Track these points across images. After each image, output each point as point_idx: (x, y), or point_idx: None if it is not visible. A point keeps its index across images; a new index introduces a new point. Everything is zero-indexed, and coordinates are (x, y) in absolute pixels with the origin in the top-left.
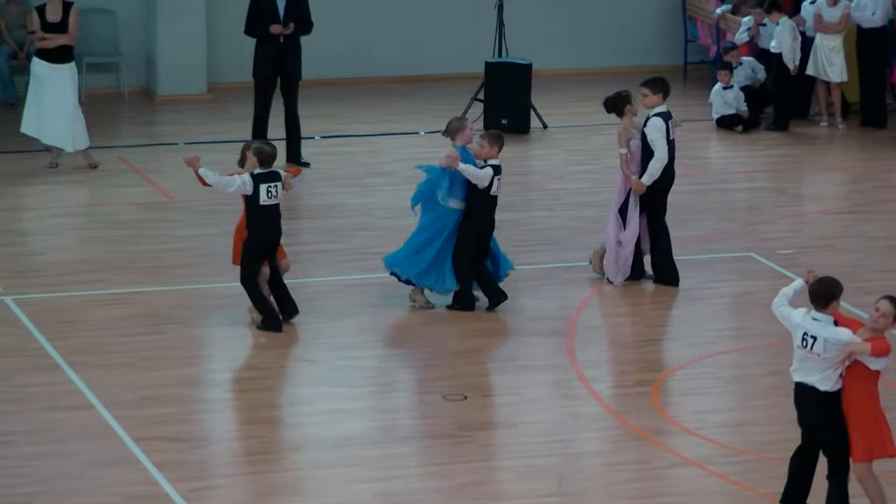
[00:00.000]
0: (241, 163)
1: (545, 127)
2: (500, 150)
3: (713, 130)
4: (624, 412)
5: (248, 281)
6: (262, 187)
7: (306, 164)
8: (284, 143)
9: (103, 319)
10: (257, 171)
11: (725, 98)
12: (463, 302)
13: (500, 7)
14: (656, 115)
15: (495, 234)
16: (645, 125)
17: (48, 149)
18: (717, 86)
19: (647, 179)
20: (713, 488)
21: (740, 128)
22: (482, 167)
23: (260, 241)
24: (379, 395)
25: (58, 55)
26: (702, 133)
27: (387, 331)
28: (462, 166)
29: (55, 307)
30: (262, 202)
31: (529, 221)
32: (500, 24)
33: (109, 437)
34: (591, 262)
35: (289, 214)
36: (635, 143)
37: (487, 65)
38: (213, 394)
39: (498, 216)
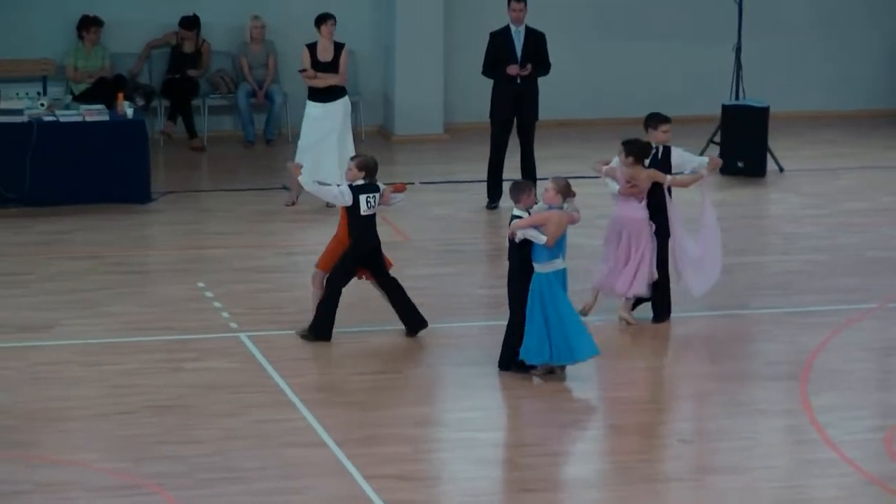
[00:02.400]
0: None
1: (781, 170)
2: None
3: None
4: (857, 458)
5: (334, 285)
6: (362, 198)
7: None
8: None
9: (337, 357)
10: (358, 182)
11: None
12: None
13: (738, 50)
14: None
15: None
16: (668, 154)
17: (285, 187)
18: None
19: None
20: None
21: None
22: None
23: (360, 249)
24: (609, 437)
25: (329, 94)
26: None
27: (616, 374)
28: (521, 231)
29: (290, 344)
30: (362, 212)
31: (763, 265)
32: (738, 66)
33: (341, 475)
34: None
35: None
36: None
37: (724, 107)
38: (444, 433)
39: (730, 259)
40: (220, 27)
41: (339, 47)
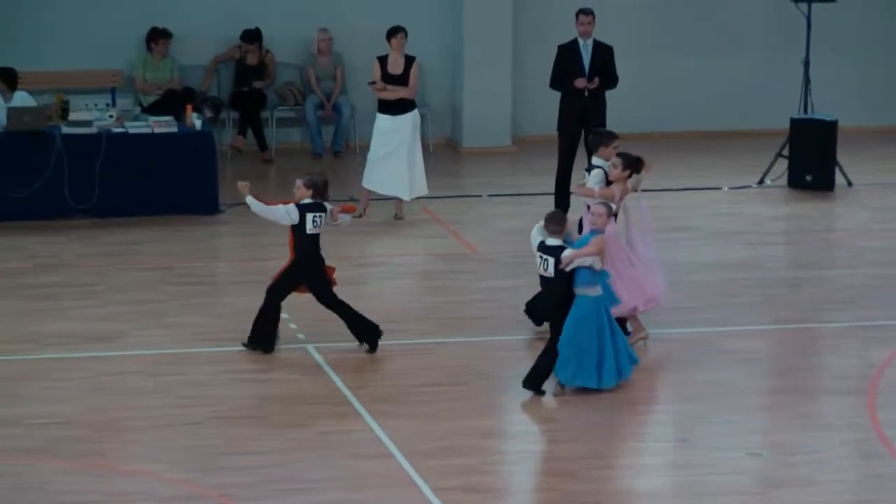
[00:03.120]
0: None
1: (850, 184)
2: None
3: None
4: None
5: (273, 297)
6: (308, 216)
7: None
8: None
9: (403, 369)
10: (306, 201)
11: None
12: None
13: (807, 64)
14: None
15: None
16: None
17: (353, 199)
18: None
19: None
20: None
21: None
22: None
23: (304, 267)
24: (675, 450)
25: (398, 107)
26: None
27: (681, 388)
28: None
29: (357, 356)
30: (307, 231)
31: (830, 279)
32: (807, 80)
33: (408, 486)
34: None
35: None
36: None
37: (793, 121)
38: (511, 445)
39: (798, 273)
40: (287, 39)
41: (409, 60)
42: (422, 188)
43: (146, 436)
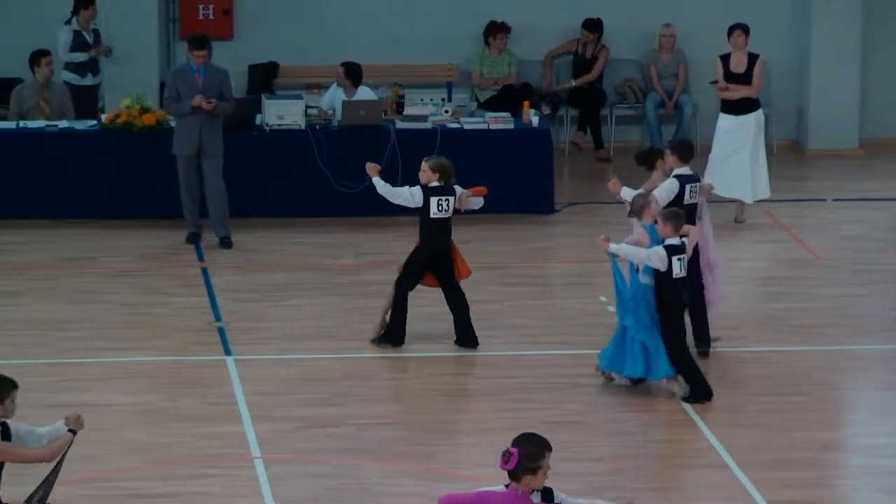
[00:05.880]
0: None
1: None
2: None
3: None
4: None
5: (401, 287)
6: (433, 200)
7: None
8: None
9: (742, 377)
10: (432, 184)
11: None
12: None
13: None
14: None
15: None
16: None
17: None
18: None
19: (628, 194)
20: None
21: None
22: None
23: (427, 252)
24: None
25: (742, 107)
26: None
27: None
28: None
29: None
30: (432, 215)
31: None
32: None
33: (743, 498)
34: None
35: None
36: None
37: None
38: (852, 459)
39: None
40: (628, 34)
41: (753, 58)
42: (764, 191)
43: (474, 439)
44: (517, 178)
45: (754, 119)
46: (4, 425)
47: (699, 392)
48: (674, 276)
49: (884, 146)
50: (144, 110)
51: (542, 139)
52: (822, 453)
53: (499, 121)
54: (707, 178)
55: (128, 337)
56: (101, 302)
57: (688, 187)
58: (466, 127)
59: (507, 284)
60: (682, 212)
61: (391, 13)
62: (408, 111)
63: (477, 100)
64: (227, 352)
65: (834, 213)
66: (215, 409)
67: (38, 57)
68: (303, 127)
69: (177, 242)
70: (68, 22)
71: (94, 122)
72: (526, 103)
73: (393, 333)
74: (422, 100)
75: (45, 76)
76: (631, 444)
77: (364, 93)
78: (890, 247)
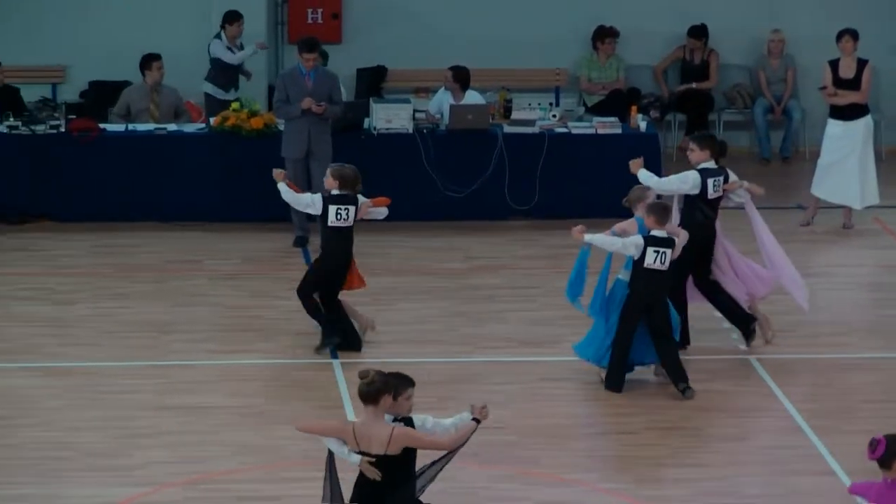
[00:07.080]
0: None
1: None
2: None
3: None
4: None
5: (303, 294)
6: (332, 208)
7: None
8: None
9: (851, 384)
10: (334, 192)
11: None
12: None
13: None
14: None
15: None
16: None
17: (800, 206)
18: None
19: (645, 178)
20: None
21: None
22: None
23: (326, 261)
24: None
25: (850, 112)
26: None
27: None
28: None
29: (804, 369)
30: (329, 223)
31: None
32: None
33: None
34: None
35: None
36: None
37: None
38: None
39: None
40: (736, 40)
41: (861, 64)
42: (873, 197)
43: (581, 444)
44: (625, 183)
45: (863, 125)
46: (408, 420)
47: (611, 381)
48: (645, 265)
49: None
50: (253, 113)
51: (651, 144)
52: None
53: (607, 125)
54: (815, 184)
55: (235, 340)
56: (208, 304)
57: (710, 181)
58: (574, 132)
59: None
60: (669, 205)
61: (499, 17)
62: (515, 115)
63: (585, 104)
64: (334, 355)
65: None
66: (322, 412)
67: (149, 60)
68: (410, 131)
69: (284, 246)
70: (217, 36)
71: (203, 125)
72: (634, 108)
73: (329, 336)
74: (529, 104)
75: (156, 80)
76: (741, 450)
77: (472, 97)
78: None
